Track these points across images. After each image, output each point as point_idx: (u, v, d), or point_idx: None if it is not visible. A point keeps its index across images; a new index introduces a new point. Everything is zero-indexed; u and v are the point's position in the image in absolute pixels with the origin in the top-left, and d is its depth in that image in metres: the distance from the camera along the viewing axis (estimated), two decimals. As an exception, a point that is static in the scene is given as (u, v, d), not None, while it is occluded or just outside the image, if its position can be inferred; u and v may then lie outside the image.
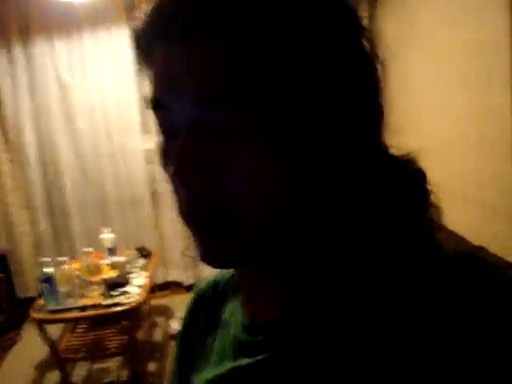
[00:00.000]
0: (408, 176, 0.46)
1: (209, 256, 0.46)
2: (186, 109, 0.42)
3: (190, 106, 0.41)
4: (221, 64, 0.40)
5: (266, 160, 0.41)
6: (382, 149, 0.47)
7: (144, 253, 4.02)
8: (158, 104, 0.44)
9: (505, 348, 0.36)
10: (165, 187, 4.72)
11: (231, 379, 0.51)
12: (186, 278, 4.86)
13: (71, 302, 3.22)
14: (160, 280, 4.79)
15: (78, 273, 3.42)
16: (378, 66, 0.45)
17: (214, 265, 0.46)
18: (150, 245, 4.37)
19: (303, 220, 0.45)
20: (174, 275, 4.90)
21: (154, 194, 4.82)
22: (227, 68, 0.39)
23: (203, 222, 0.44)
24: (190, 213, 0.45)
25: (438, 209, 0.46)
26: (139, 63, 0.47)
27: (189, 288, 4.81)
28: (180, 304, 4.47)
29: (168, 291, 4.84)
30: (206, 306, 0.65)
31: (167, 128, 0.45)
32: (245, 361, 0.50)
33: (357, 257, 0.45)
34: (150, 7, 0.44)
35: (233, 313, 0.58)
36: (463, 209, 2.45)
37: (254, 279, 0.52)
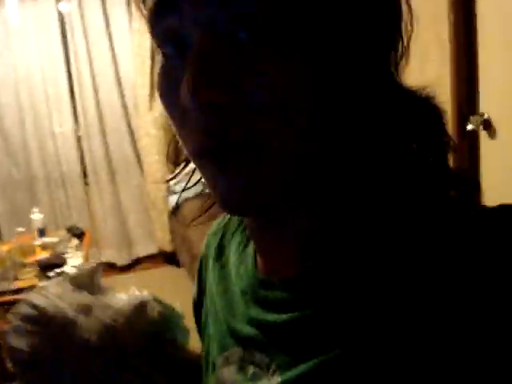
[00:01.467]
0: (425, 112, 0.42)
1: (233, 198, 0.39)
2: (201, 8, 0.35)
3: (209, 2, 0.35)
4: None
5: (294, 72, 0.36)
6: (396, 82, 0.42)
7: (76, 232, 3.89)
8: (163, 5, 0.37)
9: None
10: (96, 165, 4.61)
11: (260, 335, 0.46)
12: (119, 259, 4.78)
13: (5, 285, 3.09)
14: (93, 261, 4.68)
15: (9, 254, 3.29)
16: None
17: (237, 209, 0.40)
18: (81, 225, 4.25)
19: (327, 152, 0.41)
20: (107, 256, 4.80)
21: (85, 172, 4.68)
22: None
23: (227, 154, 0.37)
24: (210, 146, 0.38)
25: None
26: None
27: (123, 269, 4.73)
28: (115, 285, 4.33)
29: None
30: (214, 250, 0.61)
31: (172, 41, 0.39)
32: (278, 316, 0.44)
33: (376, 200, 0.42)
34: None
35: (241, 263, 0.53)
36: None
37: (272, 230, 0.47)
